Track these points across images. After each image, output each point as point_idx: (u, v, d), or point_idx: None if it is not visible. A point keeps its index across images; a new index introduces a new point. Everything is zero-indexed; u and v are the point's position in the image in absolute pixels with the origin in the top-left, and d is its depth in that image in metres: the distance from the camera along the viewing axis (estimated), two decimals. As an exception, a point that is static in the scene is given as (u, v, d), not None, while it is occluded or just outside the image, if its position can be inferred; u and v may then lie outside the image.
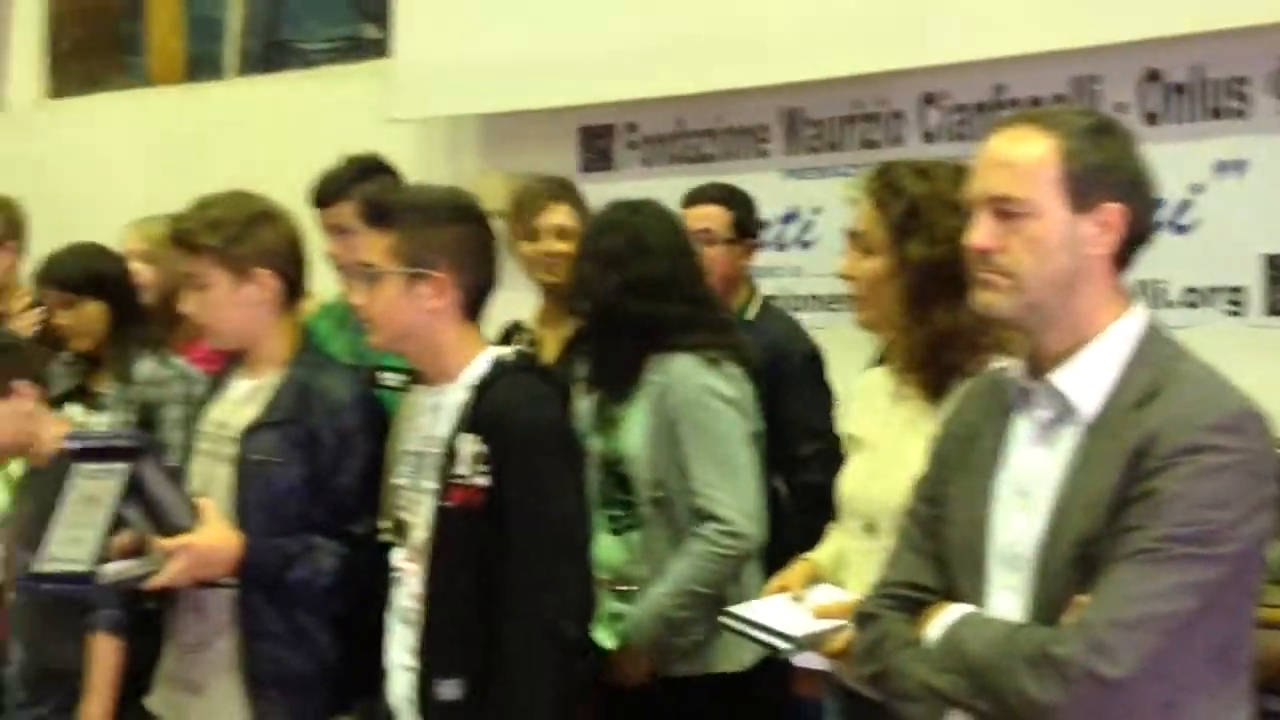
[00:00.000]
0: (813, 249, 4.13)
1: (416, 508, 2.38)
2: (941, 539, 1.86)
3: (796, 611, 2.27)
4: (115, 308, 3.28)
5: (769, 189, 4.05)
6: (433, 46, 4.66)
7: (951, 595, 1.82)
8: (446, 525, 2.30)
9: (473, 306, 2.39)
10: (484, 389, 2.32)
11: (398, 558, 2.43)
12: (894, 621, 1.85)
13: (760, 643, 2.28)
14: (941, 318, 2.20)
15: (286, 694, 2.57)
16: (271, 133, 5.24)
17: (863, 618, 1.93)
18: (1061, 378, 1.77)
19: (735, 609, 2.36)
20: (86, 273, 3.30)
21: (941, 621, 1.78)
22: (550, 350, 3.26)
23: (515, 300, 3.47)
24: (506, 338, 3.25)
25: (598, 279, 2.85)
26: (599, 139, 4.57)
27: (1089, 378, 1.75)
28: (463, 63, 4.60)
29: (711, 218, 3.53)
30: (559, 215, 3.38)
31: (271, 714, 2.57)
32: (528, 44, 4.44)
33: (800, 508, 3.07)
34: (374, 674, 2.54)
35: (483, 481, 2.26)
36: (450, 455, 2.30)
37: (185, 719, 2.67)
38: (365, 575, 2.55)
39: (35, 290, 3.49)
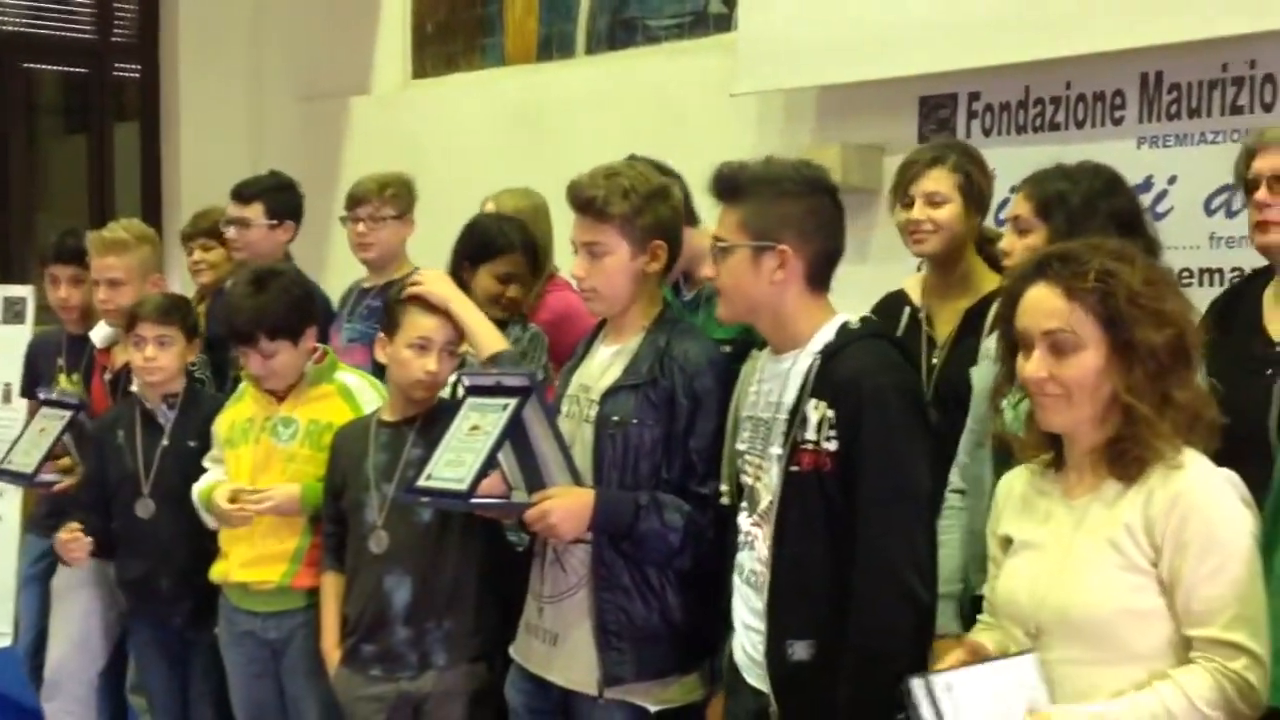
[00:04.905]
0: (1164, 221, 3.94)
1: (762, 473, 2.41)
2: None
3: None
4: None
5: (1122, 158, 3.90)
6: (775, 19, 4.68)
7: None
8: (795, 490, 2.33)
9: (819, 276, 2.43)
10: (831, 355, 2.35)
11: (743, 522, 2.47)
12: None
13: None
14: (1183, 395, 2.00)
15: (634, 645, 2.67)
16: (618, 109, 5.34)
17: None
18: None
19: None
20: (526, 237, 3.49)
21: None
22: (946, 322, 3.10)
23: (900, 272, 3.43)
24: (887, 309, 3.13)
25: None
26: (940, 109, 4.49)
27: None
28: (803, 35, 4.59)
29: None
30: (930, 182, 3.11)
31: (620, 664, 2.67)
32: (868, 14, 4.40)
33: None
34: (714, 634, 2.62)
35: (831, 446, 2.29)
36: (798, 420, 2.33)
37: (545, 667, 2.79)
38: (708, 535, 2.63)
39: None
